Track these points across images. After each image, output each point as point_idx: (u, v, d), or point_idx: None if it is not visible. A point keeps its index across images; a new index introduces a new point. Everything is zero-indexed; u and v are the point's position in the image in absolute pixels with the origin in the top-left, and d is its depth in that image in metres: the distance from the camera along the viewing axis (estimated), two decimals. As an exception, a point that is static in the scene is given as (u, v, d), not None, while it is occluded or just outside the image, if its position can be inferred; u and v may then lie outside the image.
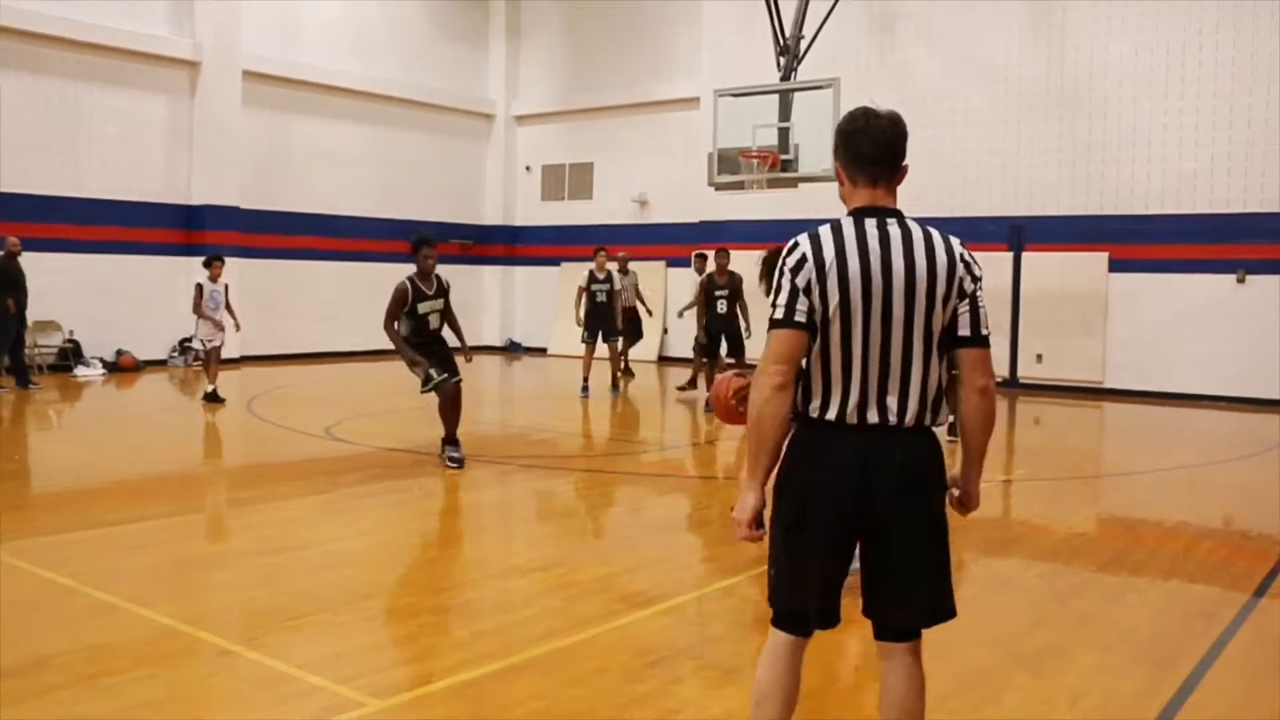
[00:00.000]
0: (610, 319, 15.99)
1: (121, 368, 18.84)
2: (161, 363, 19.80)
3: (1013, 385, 18.14)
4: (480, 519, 8.52)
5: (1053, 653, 5.21)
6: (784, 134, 16.81)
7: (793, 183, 16.90)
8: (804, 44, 18.07)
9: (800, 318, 3.03)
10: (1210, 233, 16.95)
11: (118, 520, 7.63)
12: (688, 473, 10.48)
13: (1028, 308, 18.41)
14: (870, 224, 3.09)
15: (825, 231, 3.09)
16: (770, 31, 18.26)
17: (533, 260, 26.02)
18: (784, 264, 3.09)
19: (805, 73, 17.87)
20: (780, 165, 16.77)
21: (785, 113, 16.97)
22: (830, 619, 3.24)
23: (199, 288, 14.26)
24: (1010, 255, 18.43)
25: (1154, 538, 7.77)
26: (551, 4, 25.78)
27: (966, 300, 3.12)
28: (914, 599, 3.21)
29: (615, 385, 16.62)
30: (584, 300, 16.13)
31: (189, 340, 17.24)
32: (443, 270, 9.99)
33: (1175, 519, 8.40)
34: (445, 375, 9.49)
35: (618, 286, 15.99)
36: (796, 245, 3.10)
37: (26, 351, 16.25)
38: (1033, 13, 18.50)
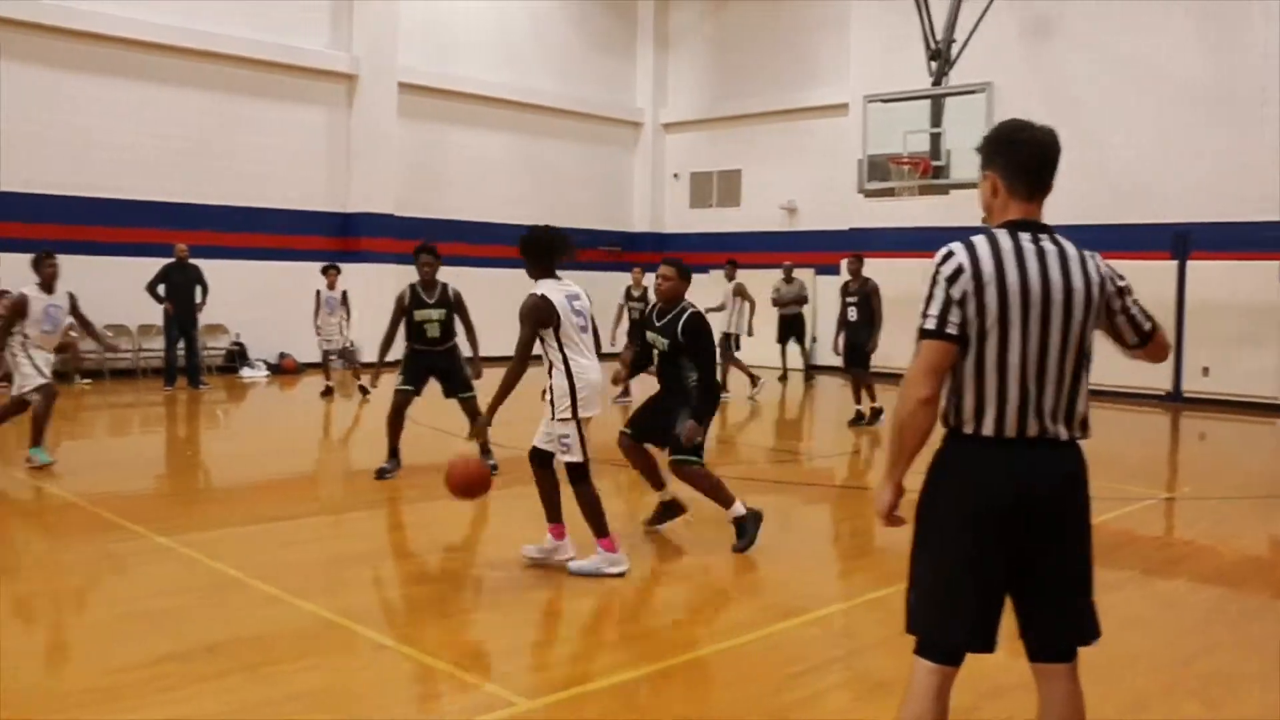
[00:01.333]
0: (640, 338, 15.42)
1: (283, 370, 19.58)
2: (319, 365, 20.44)
3: (1176, 399, 17.42)
4: (626, 525, 8.57)
5: (1223, 681, 4.98)
6: (935, 140, 16.57)
7: (944, 189, 16.64)
8: (956, 48, 17.77)
9: (952, 330, 2.97)
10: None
11: (280, 516, 7.92)
12: (835, 482, 10.37)
13: (1193, 319, 17.63)
14: (1025, 238, 3.04)
15: (981, 242, 3.03)
16: (920, 36, 18.00)
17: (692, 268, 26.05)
18: (938, 273, 3.01)
19: (957, 77, 17.57)
20: (932, 171, 16.53)
21: (937, 118, 16.73)
22: (988, 643, 3.09)
23: (317, 294, 15.21)
24: (1174, 264, 17.72)
25: (1331, 560, 7.40)
26: (699, 12, 25.85)
27: (1120, 308, 3.19)
28: (1074, 617, 3.12)
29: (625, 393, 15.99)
30: (623, 317, 15.85)
31: (349, 344, 17.76)
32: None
33: (1355, 541, 7.98)
34: (403, 388, 9.48)
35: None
36: (952, 255, 3.02)
37: (198, 351, 16.97)
38: (1200, 11, 17.77)
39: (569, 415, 6.21)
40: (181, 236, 17.17)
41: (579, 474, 6.28)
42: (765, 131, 24.38)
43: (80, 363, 17.13)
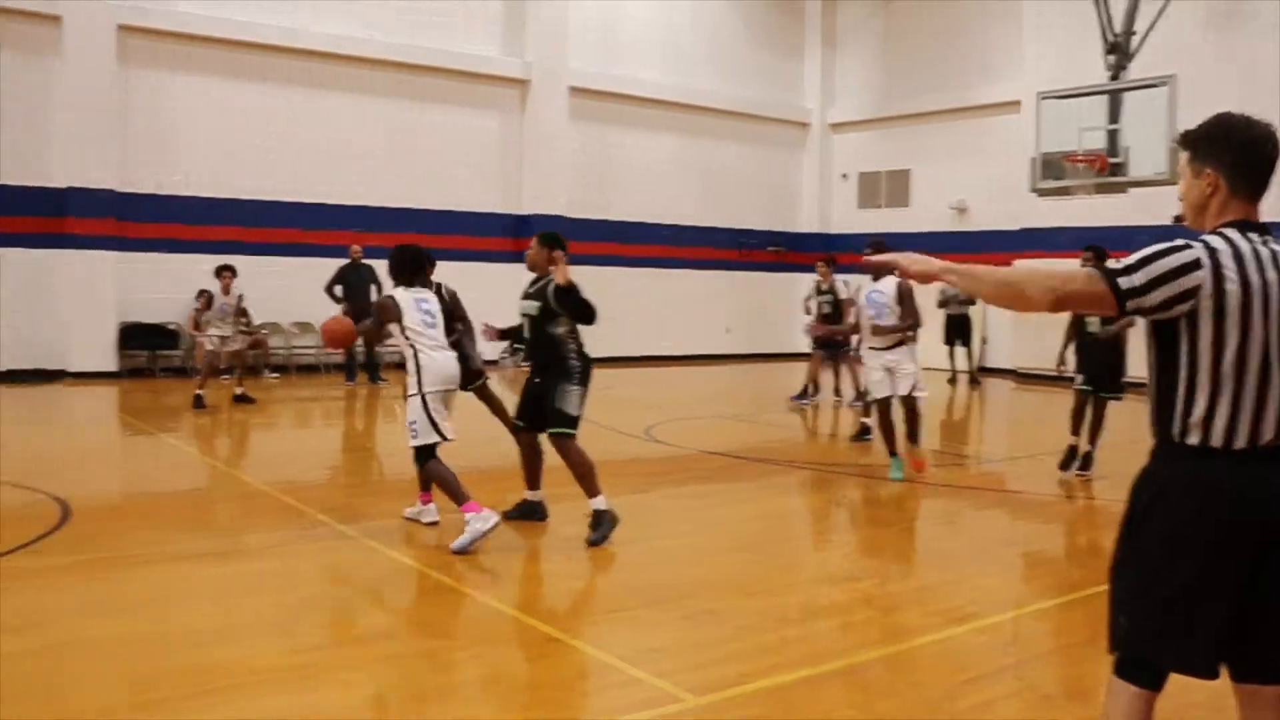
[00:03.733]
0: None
1: (458, 367, 20.17)
2: (493, 363, 21.01)
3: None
4: (793, 525, 8.59)
5: None
6: (1113, 136, 16.05)
7: (1122, 187, 16.11)
8: (1135, 40, 17.15)
9: (1146, 301, 2.77)
10: None
11: (451, 508, 8.17)
12: (1007, 488, 10.18)
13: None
14: (1255, 238, 2.86)
15: (1218, 242, 2.82)
16: (1098, 29, 17.44)
17: (848, 268, 25.85)
18: (1167, 255, 2.79)
19: (1136, 71, 16.95)
20: (1109, 169, 16.02)
21: (1115, 114, 16.21)
22: (1212, 668, 2.90)
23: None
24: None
25: None
26: (868, 10, 25.56)
27: None
28: None
29: (804, 395, 15.75)
30: (815, 311, 15.51)
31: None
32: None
33: None
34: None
35: (843, 295, 14.96)
36: (1189, 247, 2.81)
37: (377, 350, 17.61)
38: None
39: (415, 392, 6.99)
40: (359, 238, 17.85)
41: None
42: (935, 130, 23.97)
43: (269, 358, 17.99)
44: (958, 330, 19.00)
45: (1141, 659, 2.94)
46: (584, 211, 22.14)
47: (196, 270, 17.63)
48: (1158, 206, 17.67)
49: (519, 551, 6.99)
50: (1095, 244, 9.65)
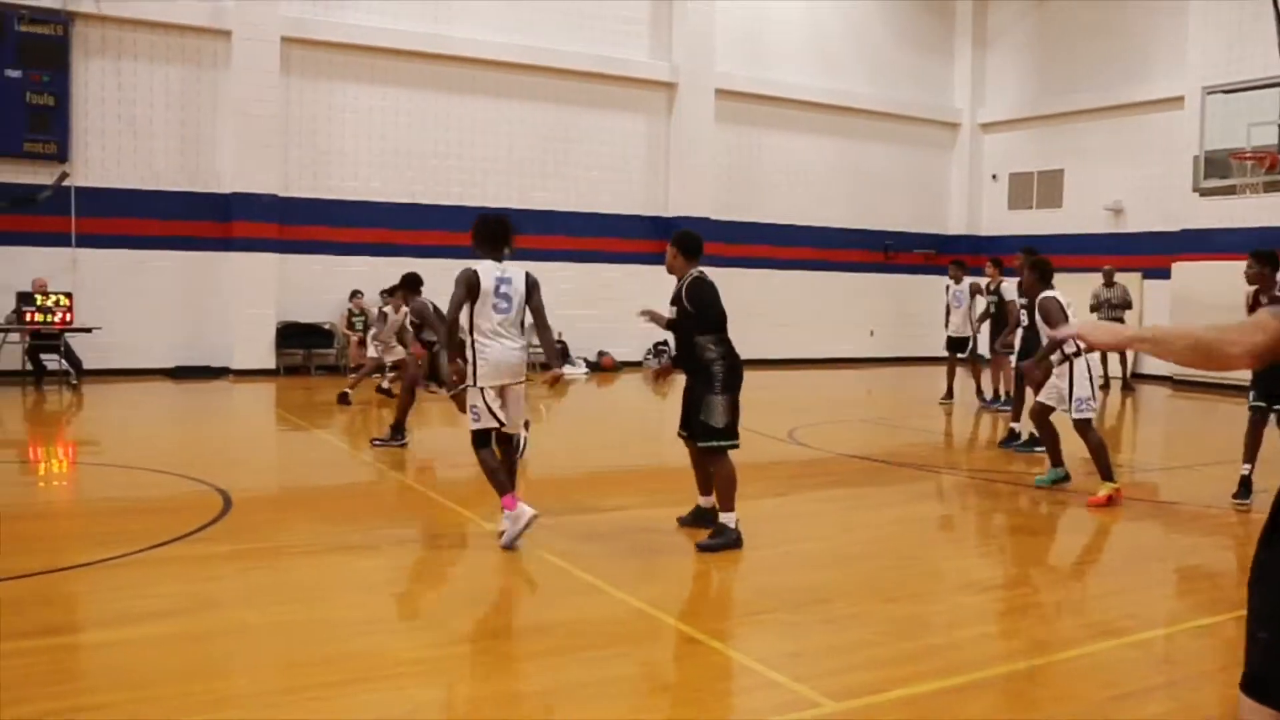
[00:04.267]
0: (996, 334, 14.85)
1: (602, 368, 20.46)
2: (637, 364, 21.20)
3: None
4: (936, 531, 8.45)
5: None
6: (1287, 132, 15.37)
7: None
8: (1312, 31, 16.38)
9: None
10: None
11: (598, 508, 8.30)
12: (1161, 498, 9.83)
13: None
14: None
15: None
16: (1270, 19, 16.69)
17: (1009, 271, 25.31)
18: None
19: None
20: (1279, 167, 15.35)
21: (1289, 110, 15.52)
22: None
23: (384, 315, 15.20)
24: None
25: None
26: (1019, 9, 24.97)
27: None
28: None
29: (985, 398, 15.43)
30: (977, 311, 15.34)
31: (663, 344, 18.30)
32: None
33: None
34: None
35: (1009, 297, 14.59)
36: None
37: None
38: None
39: (472, 383, 6.89)
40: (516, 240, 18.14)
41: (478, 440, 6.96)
42: (1089, 129, 23.27)
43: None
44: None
45: (1266, 674, 2.74)
46: (730, 214, 22.15)
47: (348, 271, 18.30)
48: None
49: (666, 553, 7.03)
50: (1262, 248, 9.18)
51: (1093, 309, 17.97)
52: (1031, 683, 4.85)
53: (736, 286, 22.21)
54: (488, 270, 6.95)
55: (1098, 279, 18.23)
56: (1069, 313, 9.42)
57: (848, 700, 4.48)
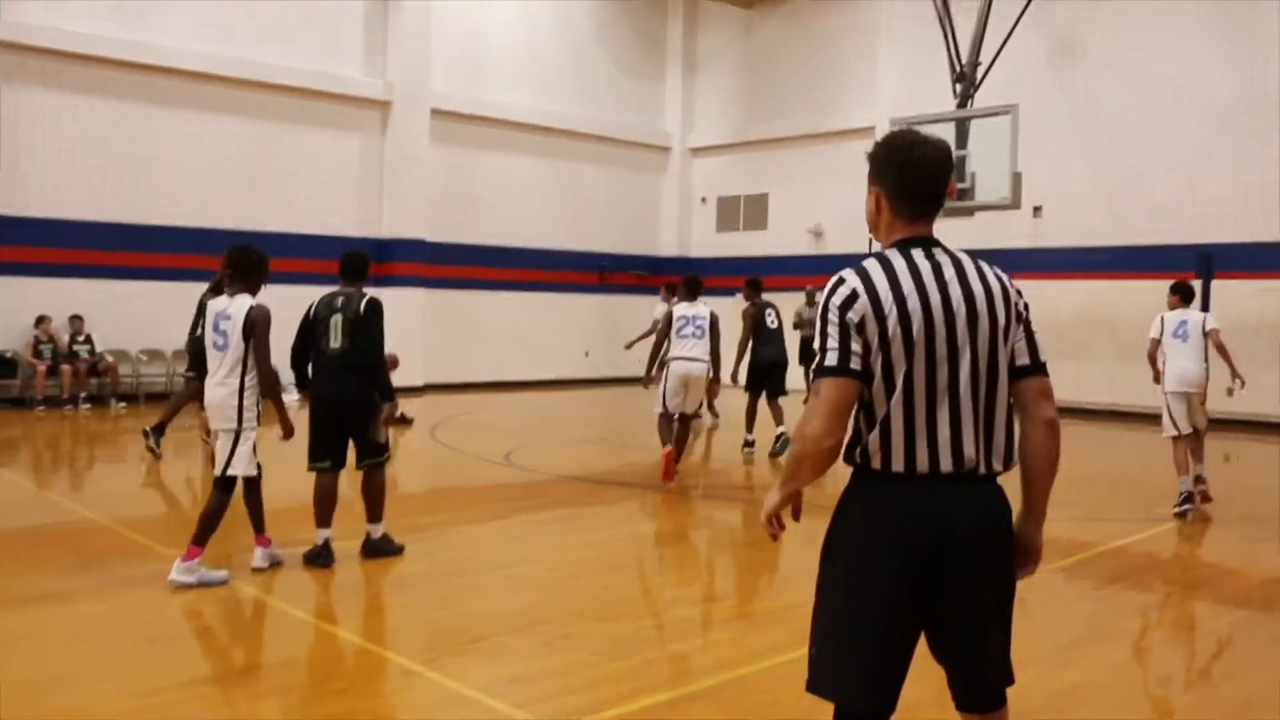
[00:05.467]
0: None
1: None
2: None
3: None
4: (654, 548, 8.64)
5: (1246, 703, 5.00)
6: (961, 162, 16.57)
7: (969, 211, 16.64)
8: (981, 71, 17.82)
9: (855, 364, 2.73)
10: None
11: (300, 541, 8.01)
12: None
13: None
14: (918, 254, 2.84)
15: (873, 265, 2.83)
16: (946, 59, 18.06)
17: (706, 291, 26.18)
18: (829, 303, 2.82)
19: (983, 99, 17.61)
20: (956, 194, 16.53)
21: (962, 140, 16.74)
22: (885, 709, 2.84)
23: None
24: (1199, 284, 17.66)
25: (1360, 584, 7.38)
26: (728, 37, 26.01)
27: (1022, 326, 2.88)
28: (997, 663, 2.91)
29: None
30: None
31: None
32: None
33: (1383, 565, 7.95)
34: None
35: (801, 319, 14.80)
36: (843, 281, 2.83)
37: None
38: (1224, 33, 17.79)
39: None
40: (213, 262, 17.36)
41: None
42: (793, 155, 24.48)
43: (117, 385, 17.40)
44: (809, 353, 19.36)
45: (834, 696, 2.90)
46: (446, 235, 21.97)
47: (32, 294, 17.00)
48: (999, 231, 18.39)
49: (373, 582, 6.87)
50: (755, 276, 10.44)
51: (796, 326, 18.82)
52: (747, 688, 5.01)
53: (455, 308, 22.20)
54: (212, 305, 6.84)
55: (801, 298, 19.12)
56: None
57: (565, 722, 4.50)
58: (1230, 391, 10.13)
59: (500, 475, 11.44)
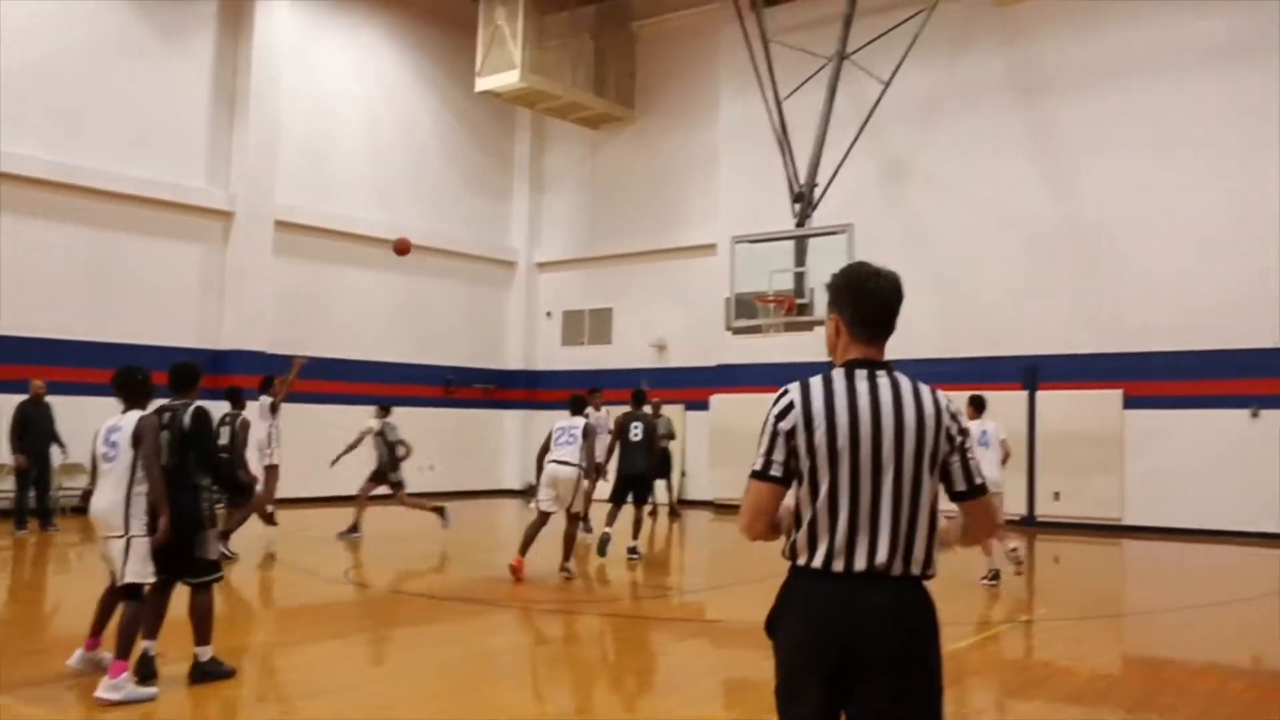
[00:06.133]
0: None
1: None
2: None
3: (1030, 524, 18.05)
4: (496, 664, 8.48)
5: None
6: (799, 278, 17.13)
7: (809, 326, 17.16)
8: (818, 191, 18.57)
9: (776, 471, 3.04)
10: (1223, 369, 17.08)
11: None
12: (707, 617, 10.42)
13: (1044, 446, 18.43)
14: (860, 375, 3.08)
15: (815, 382, 3.09)
16: (785, 180, 18.77)
17: (553, 405, 26.22)
18: (770, 411, 3.09)
19: (820, 219, 18.32)
20: (796, 309, 17.03)
21: (800, 258, 17.34)
22: None
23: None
24: (1025, 394, 18.55)
25: (1182, 678, 7.70)
26: (575, 155, 26.53)
27: (955, 452, 3.10)
28: None
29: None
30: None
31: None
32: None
33: (1202, 659, 8.32)
34: None
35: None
36: (785, 393, 3.10)
37: (51, 494, 16.37)
38: (1040, 160, 18.98)
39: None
40: (42, 372, 16.71)
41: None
42: (637, 271, 24.93)
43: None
44: (659, 465, 19.51)
45: None
46: (288, 348, 21.52)
47: None
48: (840, 344, 18.97)
49: (204, 710, 6.56)
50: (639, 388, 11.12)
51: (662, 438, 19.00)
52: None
53: (297, 422, 21.60)
54: (105, 424, 6.87)
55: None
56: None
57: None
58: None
59: (339, 593, 11.13)
